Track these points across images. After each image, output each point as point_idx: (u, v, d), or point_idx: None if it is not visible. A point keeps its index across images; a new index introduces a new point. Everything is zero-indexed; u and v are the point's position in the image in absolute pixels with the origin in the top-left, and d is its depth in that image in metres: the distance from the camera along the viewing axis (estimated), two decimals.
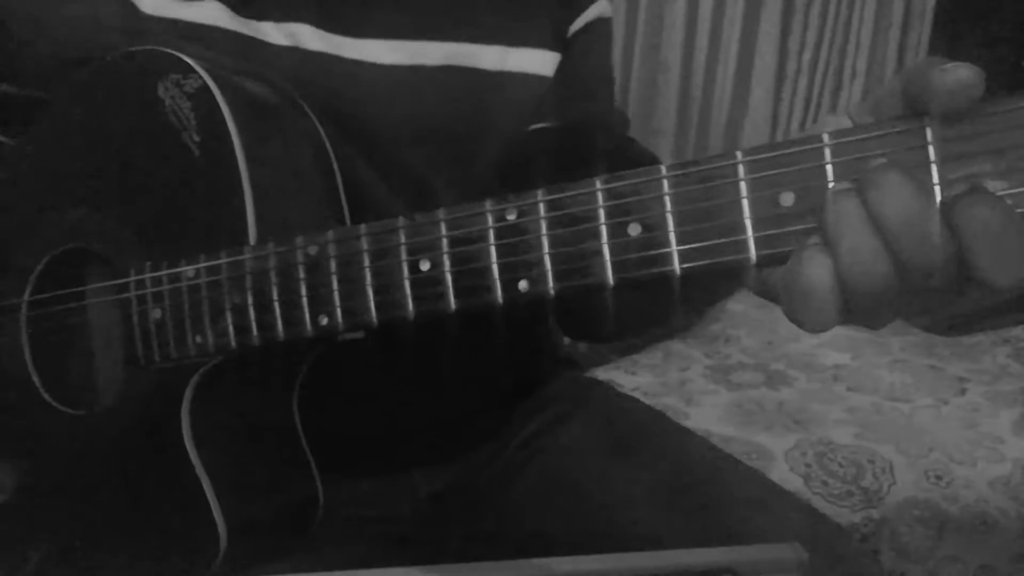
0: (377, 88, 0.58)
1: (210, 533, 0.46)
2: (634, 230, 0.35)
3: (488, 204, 0.38)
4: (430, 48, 0.59)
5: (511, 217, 0.37)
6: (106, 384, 0.53)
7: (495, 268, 0.37)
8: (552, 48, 0.64)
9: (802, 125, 2.15)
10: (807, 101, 2.14)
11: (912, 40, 2.15)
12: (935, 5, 2.13)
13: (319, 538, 0.54)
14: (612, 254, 0.35)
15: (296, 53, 0.56)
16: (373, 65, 0.58)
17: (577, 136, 0.65)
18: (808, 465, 1.28)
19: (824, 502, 1.22)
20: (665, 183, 0.34)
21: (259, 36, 0.56)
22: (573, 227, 0.36)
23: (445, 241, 0.38)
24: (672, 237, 0.34)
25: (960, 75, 0.29)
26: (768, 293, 0.35)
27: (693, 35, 2.05)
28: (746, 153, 0.33)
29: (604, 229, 0.35)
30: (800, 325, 0.33)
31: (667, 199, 0.34)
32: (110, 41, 0.53)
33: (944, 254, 0.30)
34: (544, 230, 0.36)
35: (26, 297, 0.53)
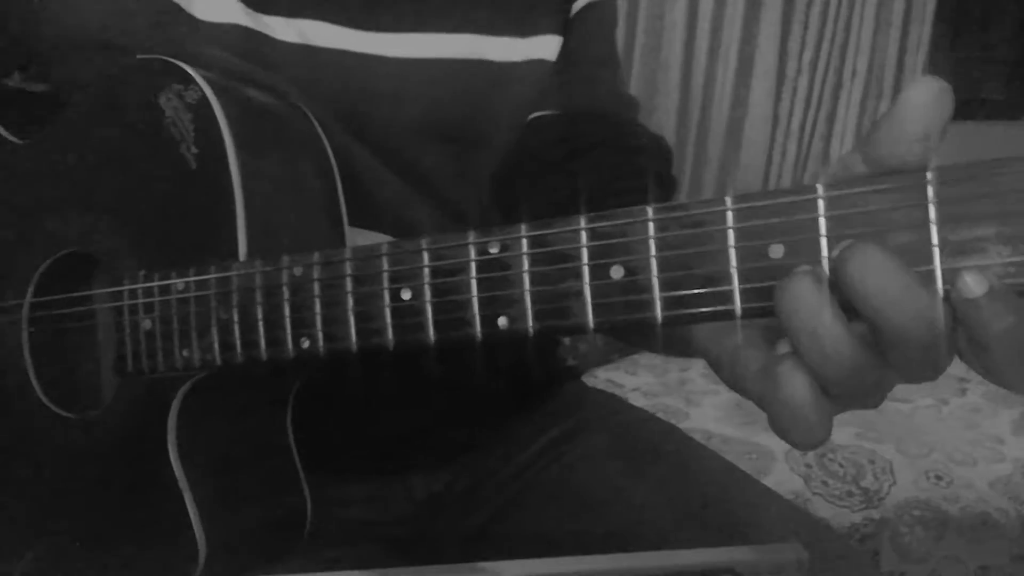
0: (390, 82, 0.57)
1: (190, 547, 0.45)
2: (616, 273, 0.33)
3: (471, 236, 0.36)
4: (442, 41, 0.58)
5: (493, 251, 0.36)
6: (99, 390, 0.53)
7: (475, 303, 0.36)
8: (558, 32, 0.63)
9: (802, 125, 2.15)
10: (807, 101, 2.14)
11: (912, 40, 2.15)
12: (935, 5, 2.13)
13: (314, 540, 0.54)
14: (593, 297, 0.34)
15: (306, 51, 0.55)
16: (386, 59, 0.57)
17: (577, 124, 0.64)
18: (808, 465, 1.28)
19: (824, 502, 1.22)
20: (651, 225, 0.33)
21: (268, 32, 0.55)
22: (555, 265, 0.34)
23: (427, 271, 0.37)
24: (655, 283, 0.32)
25: (928, 86, 0.28)
26: (745, 393, 0.33)
27: (693, 35, 2.05)
28: (736, 200, 0.31)
29: (586, 270, 0.34)
30: (792, 443, 0.31)
31: (652, 243, 0.33)
32: (134, 28, 0.53)
33: (935, 331, 0.28)
34: (526, 266, 0.35)
35: (28, 299, 0.53)
